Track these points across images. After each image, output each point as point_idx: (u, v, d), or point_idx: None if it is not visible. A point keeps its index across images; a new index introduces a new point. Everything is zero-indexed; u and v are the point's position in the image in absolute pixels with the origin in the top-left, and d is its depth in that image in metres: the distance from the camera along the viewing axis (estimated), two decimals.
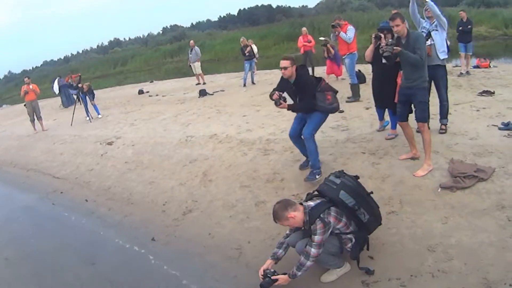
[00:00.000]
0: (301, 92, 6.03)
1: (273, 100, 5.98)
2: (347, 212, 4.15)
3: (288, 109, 6.08)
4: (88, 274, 5.39)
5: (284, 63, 5.92)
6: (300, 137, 6.31)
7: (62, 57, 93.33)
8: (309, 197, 4.43)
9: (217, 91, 16.08)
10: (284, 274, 4.16)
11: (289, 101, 6.07)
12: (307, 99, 5.98)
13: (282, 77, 6.14)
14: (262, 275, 4.25)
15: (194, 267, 5.10)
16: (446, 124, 6.92)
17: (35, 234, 6.95)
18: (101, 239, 6.38)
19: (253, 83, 16.58)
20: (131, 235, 6.28)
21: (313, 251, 3.95)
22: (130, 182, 8.30)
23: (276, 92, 5.97)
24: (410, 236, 4.64)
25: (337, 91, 6.18)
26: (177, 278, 4.94)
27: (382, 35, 6.27)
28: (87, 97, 15.41)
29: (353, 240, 4.19)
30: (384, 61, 5.96)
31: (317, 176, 6.09)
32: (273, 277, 4.18)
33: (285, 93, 6.07)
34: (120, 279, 5.17)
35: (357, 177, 4.42)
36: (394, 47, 5.47)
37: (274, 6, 75.83)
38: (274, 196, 6.09)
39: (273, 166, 7.04)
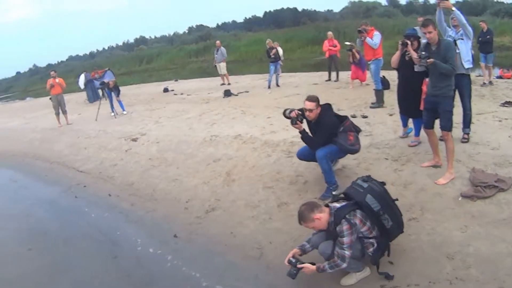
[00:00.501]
0: (319, 132, 5.96)
1: (289, 117, 5.89)
2: (372, 217, 4.20)
3: (299, 132, 5.98)
4: (109, 268, 5.54)
5: (309, 104, 5.83)
6: (308, 158, 6.30)
7: (88, 53, 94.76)
8: (335, 199, 4.51)
9: (241, 92, 16.13)
10: (312, 263, 4.26)
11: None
12: (319, 139, 5.93)
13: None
14: (288, 262, 4.35)
15: (215, 266, 5.19)
16: (469, 134, 6.92)
17: (58, 226, 7.17)
18: (123, 233, 6.51)
19: (277, 85, 16.55)
20: (153, 231, 6.42)
21: (346, 253, 4.04)
22: (153, 178, 8.42)
23: (296, 110, 5.90)
24: (429, 243, 4.68)
25: (360, 130, 6.16)
26: (197, 278, 5.01)
27: (409, 42, 6.30)
28: (112, 93, 15.68)
29: (375, 245, 4.25)
30: (416, 69, 5.96)
31: (333, 193, 5.81)
32: (298, 265, 4.27)
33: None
34: (140, 273, 5.31)
35: (383, 183, 4.47)
36: (428, 60, 5.48)
37: (299, 9, 75.83)
38: (297, 198, 6.17)
39: (296, 168, 7.09)
